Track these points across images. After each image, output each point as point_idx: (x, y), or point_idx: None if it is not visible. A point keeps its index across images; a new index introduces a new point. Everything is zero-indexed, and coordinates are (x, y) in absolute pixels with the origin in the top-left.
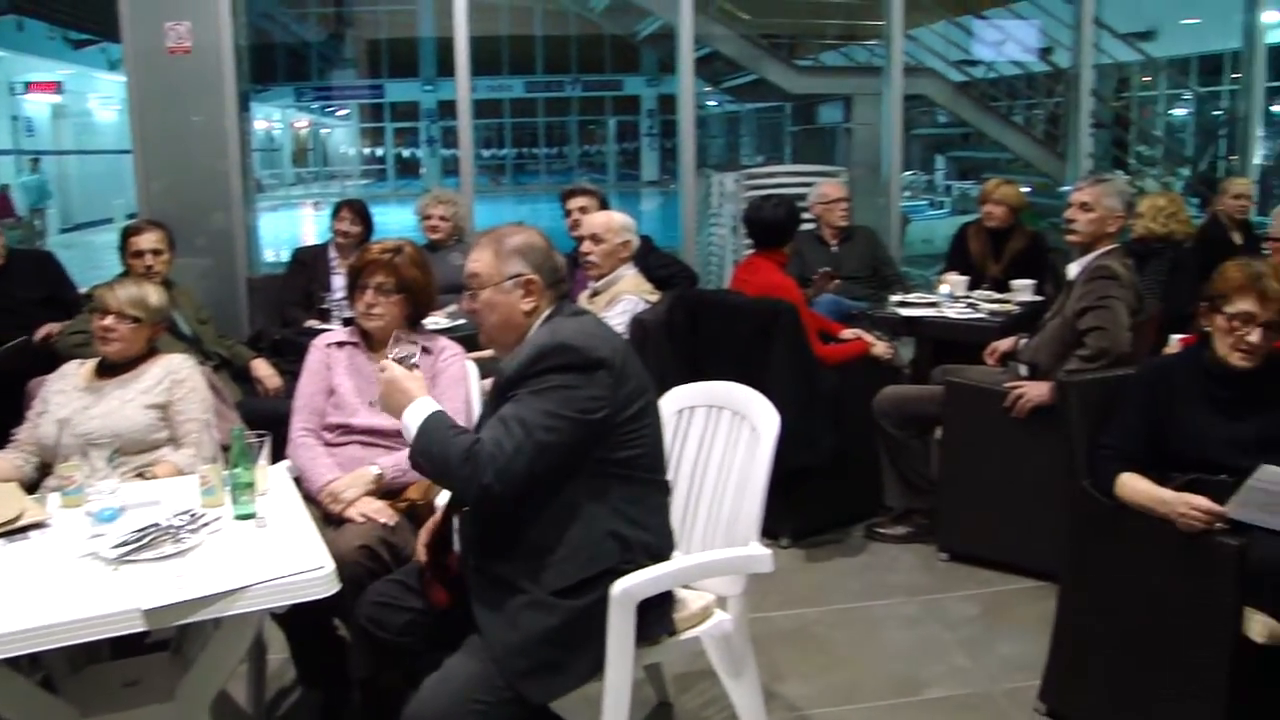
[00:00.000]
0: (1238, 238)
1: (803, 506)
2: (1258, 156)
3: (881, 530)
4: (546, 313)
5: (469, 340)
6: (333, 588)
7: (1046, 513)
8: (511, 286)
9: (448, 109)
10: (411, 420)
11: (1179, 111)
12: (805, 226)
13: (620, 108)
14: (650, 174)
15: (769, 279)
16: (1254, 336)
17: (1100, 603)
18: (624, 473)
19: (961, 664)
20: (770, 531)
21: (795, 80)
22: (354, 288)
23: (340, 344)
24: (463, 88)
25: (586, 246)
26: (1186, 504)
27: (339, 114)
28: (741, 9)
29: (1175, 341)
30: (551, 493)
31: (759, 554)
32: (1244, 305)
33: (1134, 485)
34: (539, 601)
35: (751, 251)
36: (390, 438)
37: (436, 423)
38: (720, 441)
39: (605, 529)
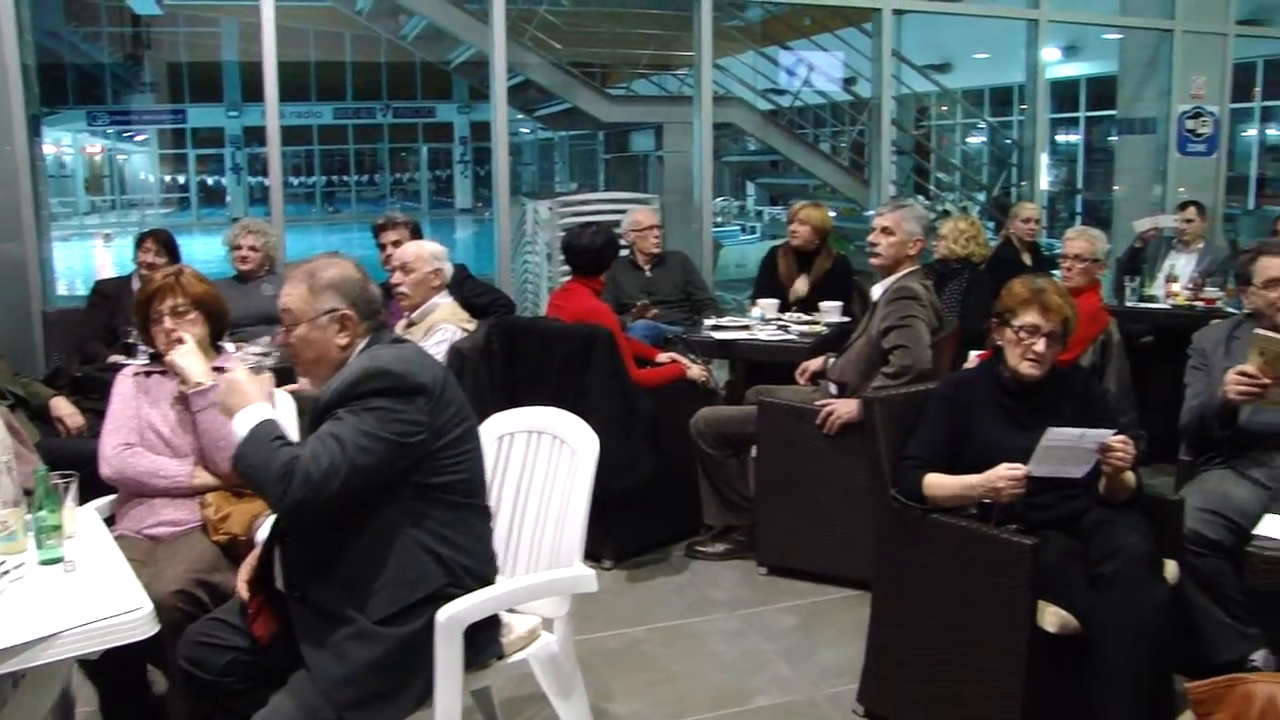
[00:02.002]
0: (1028, 259)
1: (624, 528)
2: (1045, 183)
3: (702, 548)
4: (363, 344)
5: (285, 372)
6: (151, 629)
7: (859, 524)
8: (326, 322)
9: (254, 135)
10: (242, 425)
11: (975, 140)
12: (619, 253)
13: (433, 135)
14: (464, 202)
15: (585, 305)
16: (1040, 346)
17: (909, 605)
18: (444, 498)
19: (784, 673)
20: (593, 554)
21: (607, 108)
22: (147, 321)
23: (148, 373)
24: (271, 113)
25: (397, 278)
26: (997, 475)
27: (137, 139)
28: (554, 38)
29: (973, 357)
30: (369, 518)
31: (583, 574)
32: (1029, 318)
33: (941, 482)
34: (364, 631)
35: (568, 278)
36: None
37: (265, 431)
38: (541, 466)
39: (426, 554)
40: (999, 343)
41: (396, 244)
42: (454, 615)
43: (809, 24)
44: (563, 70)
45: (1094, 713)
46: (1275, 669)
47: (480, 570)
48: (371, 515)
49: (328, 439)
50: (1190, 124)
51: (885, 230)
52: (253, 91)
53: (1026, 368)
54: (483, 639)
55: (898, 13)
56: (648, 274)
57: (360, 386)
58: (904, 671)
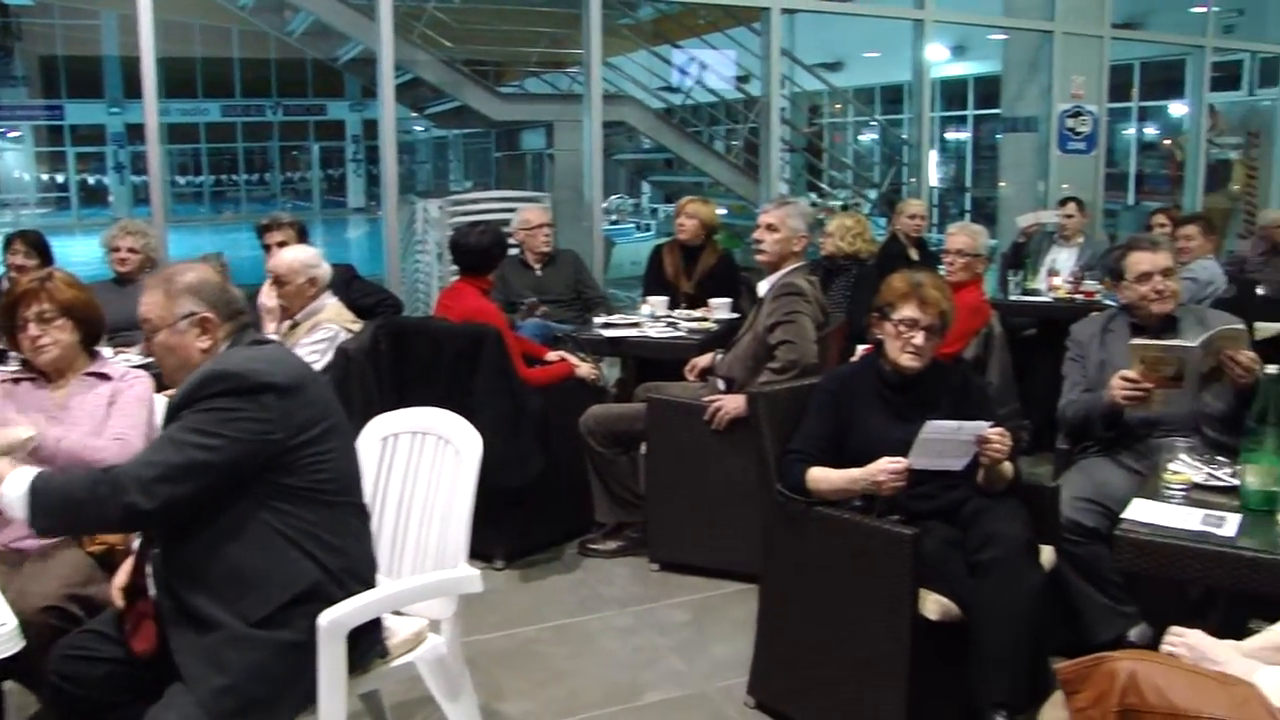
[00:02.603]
0: (914, 254)
1: (515, 527)
2: (934, 179)
3: (594, 546)
4: (225, 346)
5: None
6: (15, 645)
7: (749, 518)
8: (186, 326)
9: (137, 133)
10: (13, 489)
11: (867, 137)
12: (510, 252)
13: (324, 133)
14: (357, 201)
15: (473, 304)
16: (918, 339)
17: (795, 597)
18: (311, 497)
19: (676, 667)
20: (484, 554)
21: (498, 107)
22: (12, 328)
23: (16, 379)
24: (150, 110)
25: (274, 291)
26: (878, 469)
27: (10, 135)
28: (444, 35)
29: (860, 351)
30: (234, 520)
31: (468, 574)
32: (907, 311)
33: (824, 475)
34: (240, 636)
35: (456, 278)
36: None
37: (44, 478)
38: (426, 467)
39: (297, 553)
40: (879, 336)
41: (282, 245)
42: (337, 619)
43: (703, 22)
44: (452, 68)
45: (974, 695)
46: (1152, 644)
47: (357, 569)
48: (236, 517)
49: (161, 440)
50: (1070, 122)
51: (770, 227)
52: (135, 87)
53: (906, 360)
54: (365, 641)
55: (786, 12)
56: (538, 273)
57: (201, 389)
58: (792, 662)
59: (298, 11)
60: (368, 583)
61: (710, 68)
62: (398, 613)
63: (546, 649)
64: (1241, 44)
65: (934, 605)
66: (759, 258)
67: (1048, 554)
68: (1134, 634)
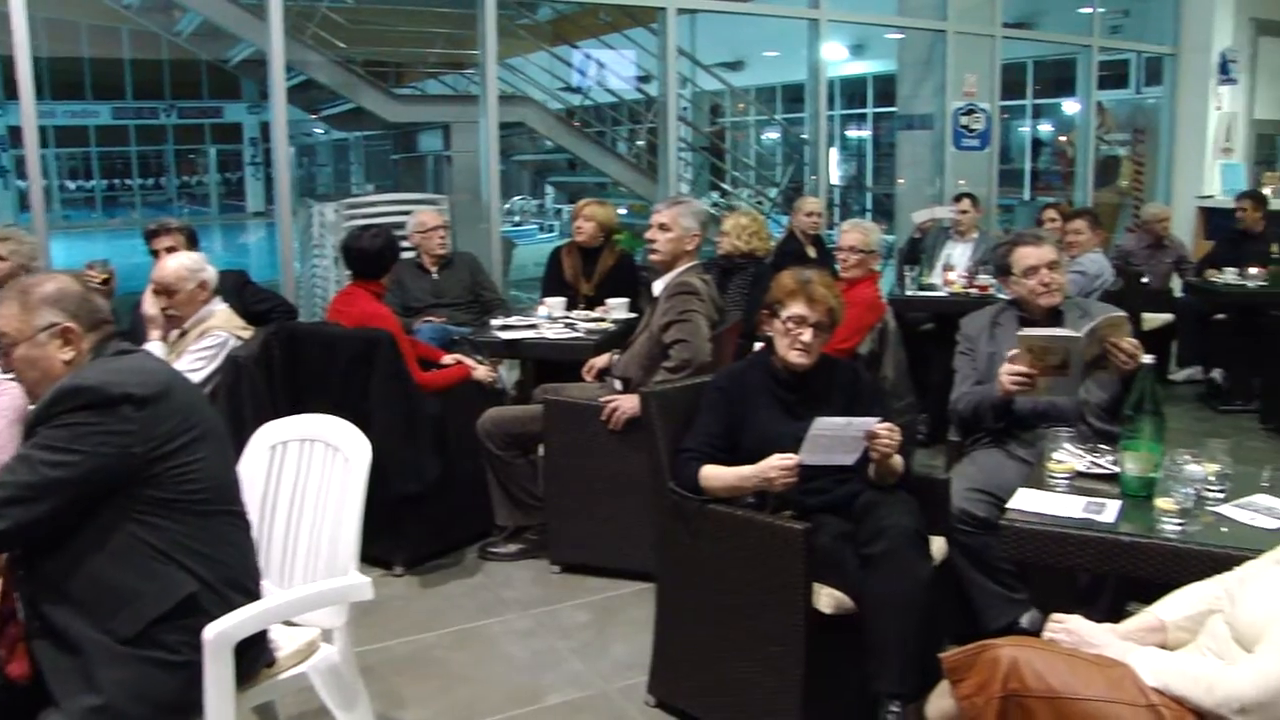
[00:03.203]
0: (812, 252)
1: (415, 533)
2: (835, 177)
3: (494, 549)
4: (90, 357)
5: None
6: None
7: (647, 518)
8: (46, 338)
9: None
10: None
11: (769, 136)
12: (406, 255)
13: (221, 136)
14: (256, 205)
15: (365, 309)
16: (806, 336)
17: (691, 595)
18: (181, 507)
19: (577, 669)
20: (384, 560)
21: (393, 108)
22: None
23: None
24: (28, 112)
25: (160, 303)
26: (770, 466)
27: None
28: (337, 36)
29: (758, 349)
30: (99, 535)
31: (358, 582)
32: (796, 309)
33: (717, 473)
34: (113, 654)
35: (349, 282)
36: None
37: None
38: (315, 474)
39: (170, 565)
40: (770, 334)
41: (171, 250)
42: (223, 632)
43: (603, 22)
44: (346, 69)
45: (869, 685)
46: (1043, 630)
47: (237, 579)
48: (101, 532)
49: (14, 460)
50: (964, 120)
51: (663, 227)
52: (13, 88)
53: (794, 357)
54: (252, 652)
55: (683, 12)
56: (435, 276)
57: (56, 405)
58: (690, 660)
59: (186, 11)
60: (250, 593)
61: (609, 68)
62: (289, 623)
63: (447, 655)
64: (1127, 44)
65: (827, 599)
66: (652, 257)
67: (939, 544)
68: (1025, 620)
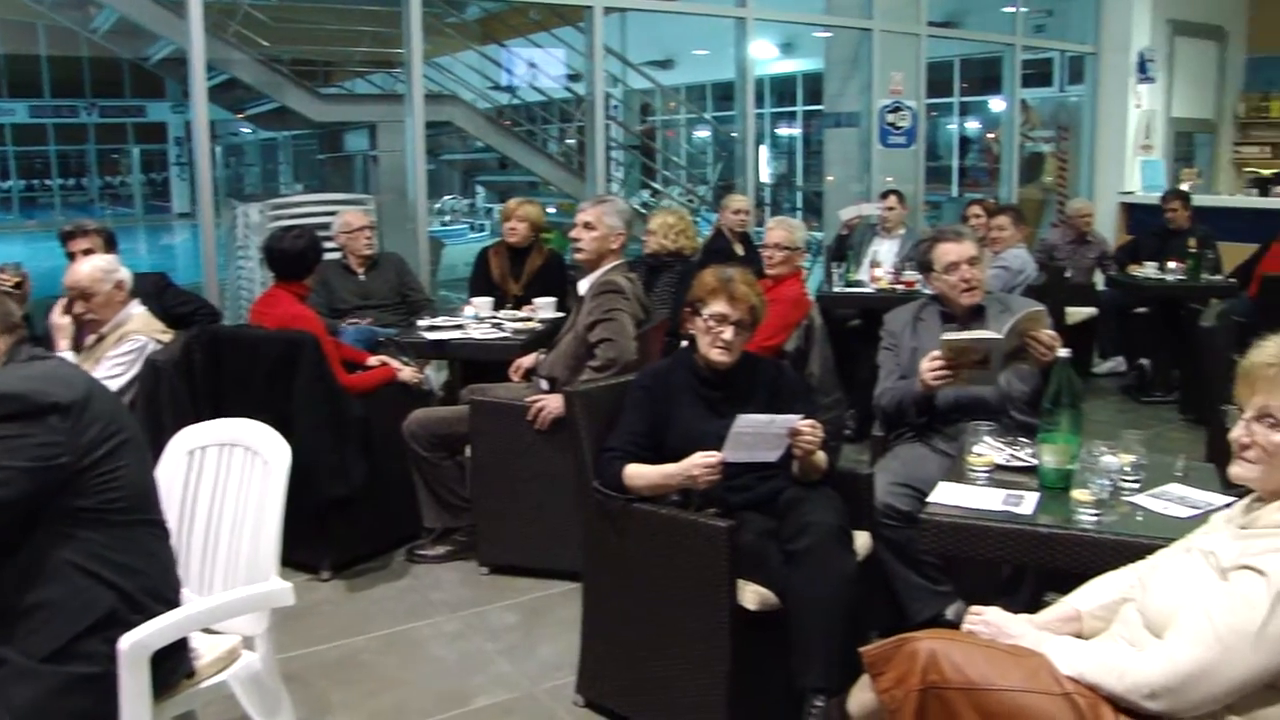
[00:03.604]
0: (740, 249)
1: (341, 537)
2: (766, 175)
3: (422, 552)
4: (3, 362)
5: None
6: None
7: (574, 518)
8: None
9: None
10: None
11: (700, 135)
12: (332, 256)
13: (145, 135)
14: (182, 206)
15: (288, 311)
16: (728, 334)
17: (618, 594)
18: (101, 518)
19: (505, 671)
20: (310, 565)
21: (318, 107)
22: None
23: None
24: None
25: (77, 308)
26: (693, 464)
27: None
28: (260, 34)
29: (684, 347)
30: (15, 551)
31: (279, 588)
32: (717, 307)
33: (641, 472)
34: (26, 671)
35: (272, 283)
36: None
37: None
38: (235, 480)
39: (90, 580)
40: (692, 332)
41: (88, 253)
42: (138, 642)
43: (532, 20)
44: (270, 68)
45: (794, 681)
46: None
47: (157, 589)
48: (17, 547)
49: None
50: (890, 118)
51: (587, 226)
52: None
53: (716, 355)
54: (170, 662)
55: (609, 11)
56: (361, 277)
57: None
58: (617, 659)
59: (102, 8)
60: (171, 602)
61: (538, 67)
62: (211, 631)
63: (374, 659)
64: (1049, 43)
65: (752, 595)
66: (577, 256)
67: (863, 539)
68: (950, 612)
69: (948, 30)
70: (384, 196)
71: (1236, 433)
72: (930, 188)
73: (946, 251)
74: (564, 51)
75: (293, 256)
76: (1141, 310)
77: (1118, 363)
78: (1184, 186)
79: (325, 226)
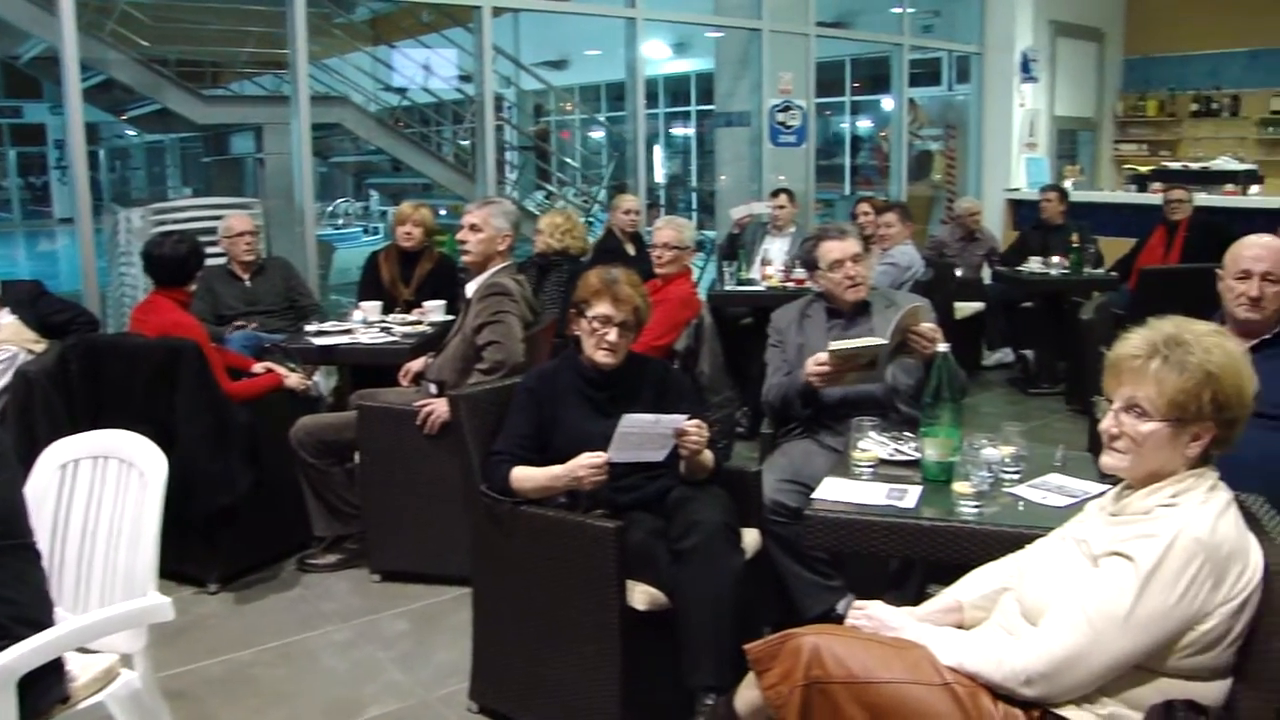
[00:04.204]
0: (631, 249)
1: (229, 548)
2: (661, 174)
3: (313, 561)
4: None
5: None
6: None
7: (466, 522)
8: None
9: None
10: None
11: (596, 135)
12: (217, 261)
13: (22, 138)
14: (64, 211)
15: (169, 318)
16: (612, 335)
17: (508, 597)
18: None
19: (397, 679)
20: (197, 578)
21: (201, 109)
22: None
23: None
24: None
25: None
26: (578, 465)
27: None
28: (139, 33)
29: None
30: None
31: (157, 603)
32: (602, 308)
33: (528, 474)
34: None
35: (151, 290)
36: None
37: None
38: (110, 493)
39: None
40: (577, 334)
41: None
42: (6, 665)
43: (425, 21)
44: (149, 68)
45: (685, 679)
46: None
47: (29, 614)
48: None
49: None
50: (780, 117)
51: (474, 228)
52: None
53: (601, 357)
54: (42, 685)
55: (498, 11)
56: (247, 283)
57: None
58: (510, 663)
59: None
60: (43, 625)
61: (429, 68)
62: (86, 650)
63: (264, 672)
64: (936, 43)
65: (642, 595)
66: (465, 258)
67: (753, 536)
68: (842, 607)
69: (837, 30)
70: (271, 200)
71: (1106, 424)
72: (823, 186)
73: (830, 249)
74: (455, 52)
75: (173, 262)
76: (1027, 305)
77: (1005, 353)
78: (1067, 183)
79: (212, 231)
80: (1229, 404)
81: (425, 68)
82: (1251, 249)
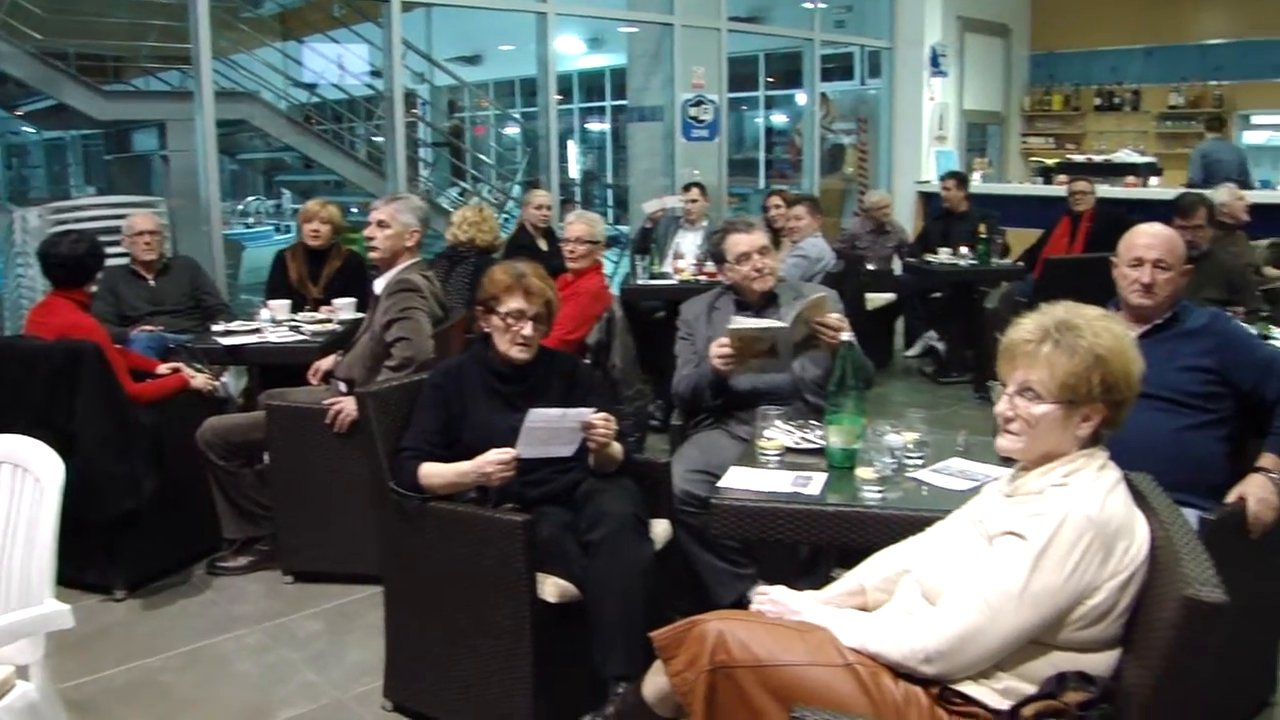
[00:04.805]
0: (543, 244)
1: (135, 553)
2: (575, 170)
3: (224, 564)
4: None
5: None
6: None
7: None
8: None
9: None
10: None
11: (511, 131)
12: (120, 261)
13: None
14: None
15: (67, 320)
16: (527, 330)
17: (419, 594)
18: None
19: (311, 680)
20: (103, 586)
21: (101, 105)
22: None
23: None
24: None
25: None
26: (486, 461)
27: None
28: (31, 26)
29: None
30: None
31: (53, 610)
32: (513, 303)
33: (436, 471)
34: None
35: (49, 292)
36: None
37: None
38: (3, 499)
39: None
40: (486, 330)
41: None
42: None
43: (336, 15)
44: (44, 62)
45: (597, 670)
46: None
47: None
48: None
49: None
50: (693, 111)
51: (381, 224)
52: None
53: (516, 352)
54: None
55: (407, 6)
56: (152, 283)
57: None
58: (423, 660)
59: None
60: None
61: (340, 64)
62: None
63: (172, 679)
64: (845, 38)
65: (552, 588)
66: (372, 255)
67: (663, 527)
68: (754, 594)
69: (748, 25)
70: (177, 199)
71: (1000, 407)
72: (738, 180)
73: (737, 242)
74: (366, 48)
75: (70, 263)
76: (937, 295)
77: (931, 336)
78: (976, 176)
79: (116, 231)
80: (1117, 386)
81: (335, 63)
82: (1143, 237)
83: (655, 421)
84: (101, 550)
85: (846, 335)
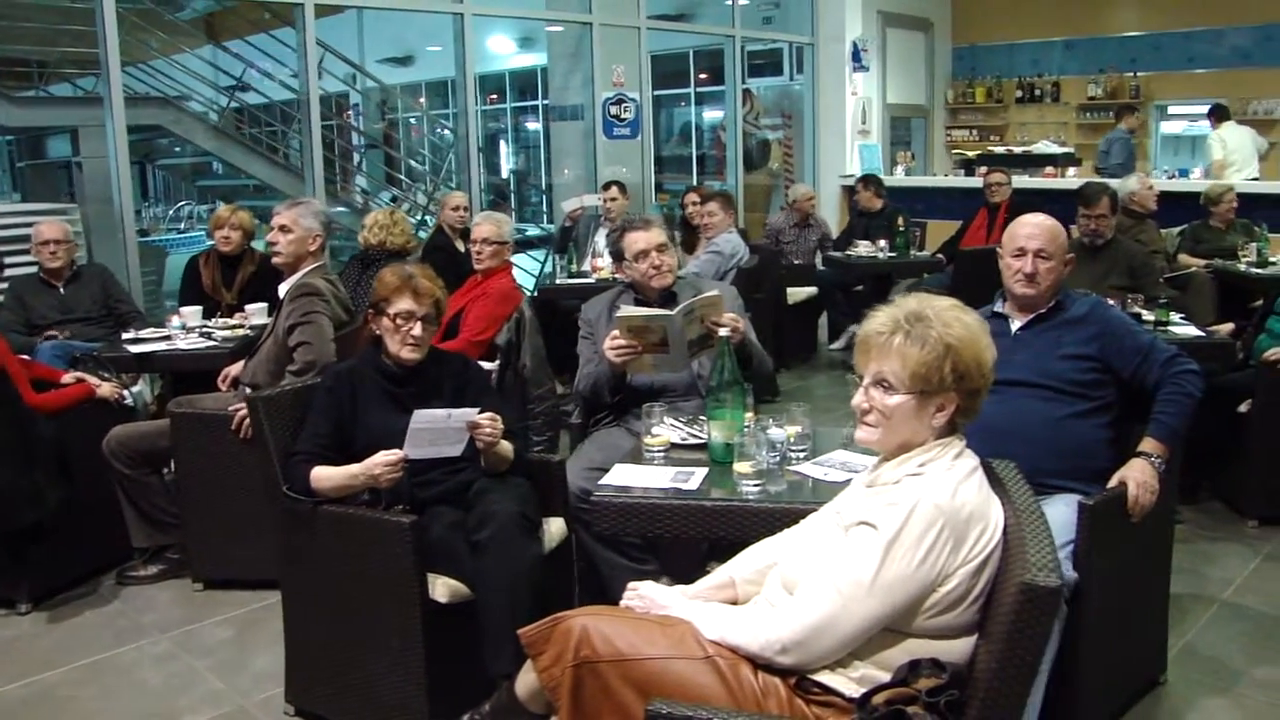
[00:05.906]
0: (461, 245)
1: (41, 565)
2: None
3: (133, 573)
4: None
5: None
6: None
7: None
8: None
9: None
10: None
11: (446, 132)
12: (28, 270)
13: None
14: None
15: None
16: (417, 330)
17: (314, 598)
18: None
19: (216, 687)
20: (7, 599)
21: (11, 112)
22: None
23: None
24: None
25: None
26: (374, 463)
27: None
28: None
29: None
30: None
31: None
32: (403, 304)
33: (327, 474)
34: None
35: None
36: None
37: None
38: None
39: None
40: (378, 332)
41: None
42: None
43: (254, 21)
44: None
45: (486, 669)
46: None
47: None
48: None
49: None
50: (614, 110)
51: (284, 229)
52: None
53: (408, 353)
54: None
55: (321, 10)
56: (61, 291)
57: None
58: (321, 663)
59: None
60: None
61: (259, 69)
62: None
63: (72, 692)
64: (767, 34)
65: (443, 588)
66: (275, 260)
67: (557, 525)
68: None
69: (668, 24)
70: (91, 205)
71: (857, 399)
72: (673, 177)
73: (635, 240)
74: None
75: None
76: (859, 288)
77: (854, 329)
78: (900, 169)
79: (26, 239)
80: (969, 374)
81: (253, 67)
82: (1025, 227)
83: (578, 420)
84: (4, 563)
85: (724, 330)
